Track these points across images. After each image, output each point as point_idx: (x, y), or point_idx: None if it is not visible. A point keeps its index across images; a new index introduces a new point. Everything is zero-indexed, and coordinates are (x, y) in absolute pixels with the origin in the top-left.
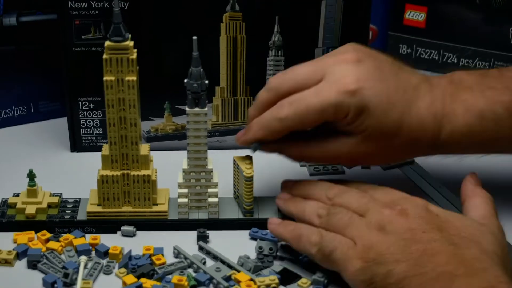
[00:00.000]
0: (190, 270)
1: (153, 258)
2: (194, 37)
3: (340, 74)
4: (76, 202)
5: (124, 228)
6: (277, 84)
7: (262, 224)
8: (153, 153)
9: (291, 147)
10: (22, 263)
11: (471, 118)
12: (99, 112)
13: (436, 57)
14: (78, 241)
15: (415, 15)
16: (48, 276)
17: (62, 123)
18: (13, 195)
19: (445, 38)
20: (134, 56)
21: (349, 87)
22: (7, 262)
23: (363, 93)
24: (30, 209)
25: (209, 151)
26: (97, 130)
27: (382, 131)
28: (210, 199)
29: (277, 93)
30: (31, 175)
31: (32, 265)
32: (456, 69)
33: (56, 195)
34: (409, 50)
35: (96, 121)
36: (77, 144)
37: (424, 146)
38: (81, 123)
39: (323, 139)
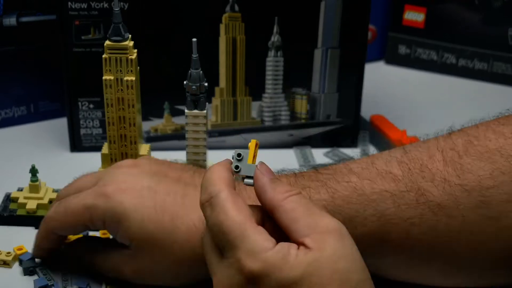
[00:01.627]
0: None
1: None
2: (194, 39)
3: (107, 178)
4: None
5: None
6: (61, 192)
7: None
8: (153, 153)
9: (86, 254)
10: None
11: None
12: (99, 113)
13: (435, 58)
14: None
15: (414, 16)
16: (39, 280)
17: (62, 123)
18: (18, 190)
19: (444, 39)
20: (134, 56)
21: (106, 190)
22: (5, 264)
23: (119, 197)
24: (31, 204)
25: (208, 151)
26: (97, 130)
27: (151, 240)
28: None
29: (57, 199)
30: (33, 171)
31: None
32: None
33: (58, 191)
34: (408, 51)
35: (96, 122)
36: (77, 144)
37: (198, 261)
38: (81, 123)
39: (111, 248)
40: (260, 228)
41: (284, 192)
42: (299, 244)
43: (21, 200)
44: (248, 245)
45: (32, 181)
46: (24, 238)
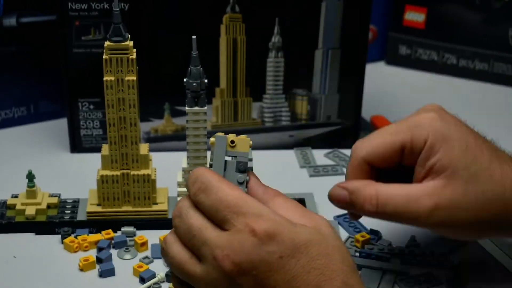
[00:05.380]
0: None
1: None
2: (194, 37)
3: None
4: (75, 202)
5: (124, 229)
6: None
7: None
8: (152, 154)
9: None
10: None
11: None
12: (99, 113)
13: (436, 58)
14: (94, 238)
15: (415, 16)
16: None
17: (62, 124)
18: (12, 196)
19: (444, 39)
20: (134, 56)
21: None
22: None
23: (439, 123)
24: (30, 210)
25: (209, 152)
26: (97, 131)
27: (470, 170)
28: None
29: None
30: (30, 176)
31: None
32: None
33: (54, 196)
34: (408, 51)
35: (96, 122)
36: (77, 145)
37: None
38: (81, 124)
39: (403, 183)
40: (259, 201)
41: (274, 193)
42: None
43: (18, 207)
44: (255, 210)
45: (29, 186)
46: (25, 245)
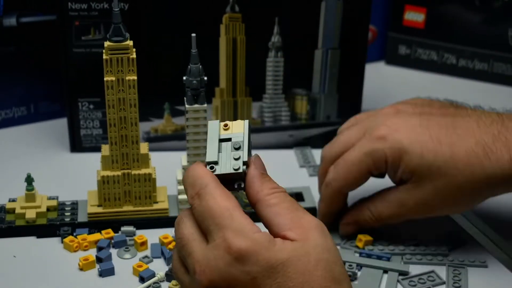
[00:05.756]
0: None
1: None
2: (193, 35)
3: (374, 126)
4: (74, 204)
5: (124, 228)
6: (326, 153)
7: None
8: (152, 154)
9: (361, 211)
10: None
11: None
12: (99, 113)
13: (435, 58)
14: (94, 237)
15: (415, 16)
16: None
17: (62, 123)
18: (9, 201)
19: (444, 39)
20: (134, 55)
21: (380, 134)
22: None
23: (396, 136)
24: (30, 214)
25: None
26: (97, 130)
27: (432, 169)
28: None
29: (328, 161)
30: (29, 179)
31: None
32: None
33: (52, 198)
34: (408, 51)
35: (96, 122)
36: (77, 144)
37: (479, 183)
38: (81, 123)
39: (385, 192)
40: (247, 215)
41: (270, 188)
42: (281, 237)
43: (18, 210)
44: (236, 224)
45: (28, 190)
46: (25, 247)
